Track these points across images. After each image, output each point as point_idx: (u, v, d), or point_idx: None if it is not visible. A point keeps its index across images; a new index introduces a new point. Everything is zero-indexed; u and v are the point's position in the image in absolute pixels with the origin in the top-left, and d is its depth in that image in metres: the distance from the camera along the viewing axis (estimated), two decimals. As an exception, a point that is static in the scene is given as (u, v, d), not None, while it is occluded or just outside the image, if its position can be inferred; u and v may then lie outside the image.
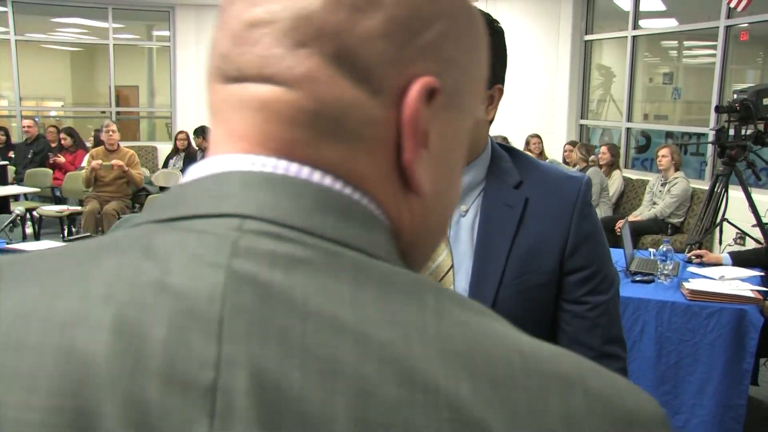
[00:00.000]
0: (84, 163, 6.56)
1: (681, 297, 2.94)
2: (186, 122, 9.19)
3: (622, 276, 3.13)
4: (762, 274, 3.26)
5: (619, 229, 4.95)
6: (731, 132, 4.04)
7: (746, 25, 5.81)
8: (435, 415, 0.29)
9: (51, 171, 7.61)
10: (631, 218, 5.42)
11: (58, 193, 7.51)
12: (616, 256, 2.99)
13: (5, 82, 9.81)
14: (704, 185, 5.27)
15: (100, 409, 0.28)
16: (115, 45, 9.89)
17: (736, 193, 4.20)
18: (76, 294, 0.31)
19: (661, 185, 5.59)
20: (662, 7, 7.25)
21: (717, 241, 4.71)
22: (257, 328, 0.30)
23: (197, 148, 8.12)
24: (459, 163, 0.44)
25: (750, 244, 4.30)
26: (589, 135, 7.90)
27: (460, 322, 0.32)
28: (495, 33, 1.01)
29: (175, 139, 8.35)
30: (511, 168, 1.04)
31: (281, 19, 0.36)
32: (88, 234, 5.54)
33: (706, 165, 6.08)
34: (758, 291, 2.93)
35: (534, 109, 7.68)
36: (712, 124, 5.42)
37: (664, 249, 3.26)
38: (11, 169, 7.33)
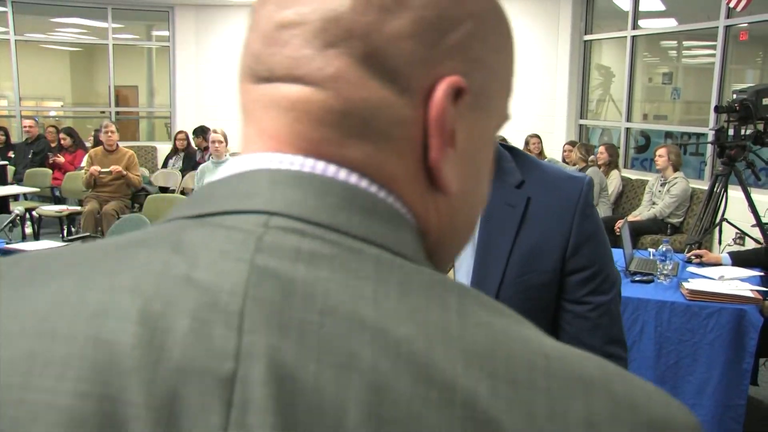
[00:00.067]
0: (83, 164, 6.56)
1: (680, 297, 2.94)
2: (185, 122, 9.19)
3: (621, 276, 3.13)
4: (761, 274, 3.26)
5: (618, 229, 4.94)
6: (731, 132, 4.04)
7: (746, 24, 5.81)
8: (449, 413, 0.29)
9: (50, 171, 7.61)
10: (630, 218, 5.42)
11: (57, 193, 7.51)
12: (616, 256, 2.98)
13: (5, 82, 9.81)
14: (704, 185, 5.27)
15: (124, 397, 0.29)
16: (115, 45, 9.89)
17: (735, 193, 4.20)
18: (106, 286, 0.32)
19: (661, 185, 5.59)
20: (662, 7, 7.25)
21: (716, 241, 4.71)
22: (277, 320, 0.30)
23: (196, 148, 8.11)
24: (486, 163, 0.44)
25: (749, 244, 4.31)
26: (589, 135, 7.90)
27: (482, 323, 0.33)
28: None
29: (175, 139, 8.34)
30: (512, 167, 1.04)
31: (311, 21, 0.37)
32: (88, 234, 5.53)
33: (706, 165, 6.08)
34: (758, 291, 2.93)
35: (533, 108, 7.68)
36: (711, 124, 5.42)
37: (664, 249, 3.26)
38: (11, 169, 7.33)
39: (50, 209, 6.49)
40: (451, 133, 0.38)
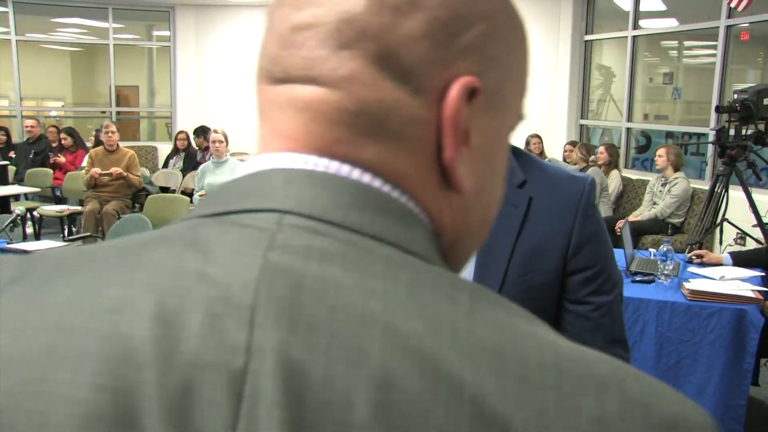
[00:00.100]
0: (84, 164, 6.56)
1: (681, 297, 2.93)
2: (186, 122, 9.20)
3: (622, 276, 3.13)
4: (762, 274, 3.26)
5: (619, 229, 4.94)
6: (732, 132, 4.04)
7: (747, 24, 5.81)
8: (456, 409, 0.29)
9: (51, 171, 7.61)
10: (631, 218, 5.42)
11: (58, 193, 7.51)
12: (616, 256, 2.99)
13: (6, 82, 9.81)
14: (704, 185, 5.27)
15: (139, 389, 0.29)
16: (116, 45, 9.90)
17: (736, 193, 4.20)
18: (123, 282, 0.33)
19: (662, 185, 5.58)
20: (662, 7, 7.25)
21: (717, 241, 4.71)
22: (287, 316, 0.31)
23: (197, 148, 8.11)
24: (501, 162, 0.44)
25: (750, 244, 4.30)
26: (589, 135, 7.90)
27: (493, 320, 0.33)
28: None
29: (175, 139, 8.35)
30: (514, 167, 1.04)
31: (325, 23, 0.38)
32: (88, 234, 5.54)
33: (707, 165, 6.07)
34: (759, 291, 2.93)
35: (534, 108, 7.67)
36: (712, 124, 5.42)
37: (665, 249, 3.26)
38: (12, 168, 7.33)
39: (51, 209, 6.50)
40: (465, 132, 0.39)
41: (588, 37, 7.59)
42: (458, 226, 0.41)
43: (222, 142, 5.63)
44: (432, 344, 0.31)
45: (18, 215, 4.22)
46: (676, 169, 5.49)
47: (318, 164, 0.37)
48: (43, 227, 6.68)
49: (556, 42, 7.64)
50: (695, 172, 6.48)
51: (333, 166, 0.37)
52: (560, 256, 1.01)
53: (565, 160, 6.81)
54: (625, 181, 6.41)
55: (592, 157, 6.24)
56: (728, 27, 5.83)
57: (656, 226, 5.42)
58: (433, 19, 0.38)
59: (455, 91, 0.38)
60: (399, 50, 0.37)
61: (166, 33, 9.97)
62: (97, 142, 7.08)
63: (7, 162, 7.20)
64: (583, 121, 7.81)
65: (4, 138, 8.16)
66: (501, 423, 0.30)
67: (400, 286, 0.33)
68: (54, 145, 8.01)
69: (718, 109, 4.13)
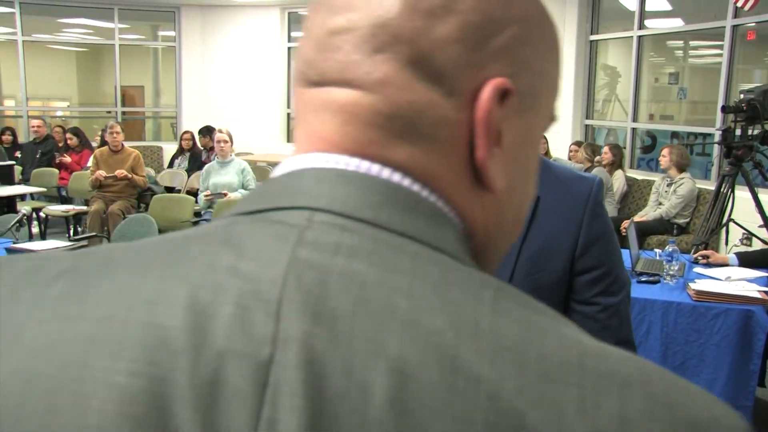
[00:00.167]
0: (89, 164, 6.58)
1: (687, 297, 2.93)
2: (191, 122, 9.21)
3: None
4: (769, 274, 3.25)
5: (624, 230, 4.93)
6: (738, 132, 4.02)
7: (753, 24, 5.79)
8: (472, 402, 0.30)
9: (57, 171, 7.64)
10: (636, 219, 5.40)
11: (64, 193, 7.53)
12: (622, 256, 2.98)
13: (12, 83, 9.85)
14: (710, 186, 5.25)
15: (171, 377, 0.31)
16: (121, 45, 9.92)
17: (742, 194, 4.18)
18: (161, 276, 0.34)
19: (667, 185, 5.57)
20: (668, 7, 7.23)
21: (723, 241, 4.69)
22: (312, 309, 0.32)
23: (202, 148, 8.13)
24: (533, 163, 0.45)
25: (757, 245, 4.28)
26: (595, 135, 7.88)
27: (517, 319, 0.33)
28: None
29: (181, 139, 8.37)
30: None
31: (360, 27, 0.39)
32: (94, 234, 5.55)
33: (713, 165, 6.05)
34: (765, 292, 2.92)
35: (539, 109, 7.64)
36: (718, 124, 5.40)
37: (670, 249, 3.25)
38: (18, 168, 7.36)
39: (57, 209, 6.52)
40: (498, 133, 0.39)
41: (593, 37, 7.57)
42: (490, 226, 0.42)
43: (227, 142, 5.63)
44: (453, 340, 0.31)
45: (24, 215, 4.23)
46: (681, 170, 5.47)
47: (349, 164, 0.38)
48: (48, 227, 6.70)
49: (562, 42, 7.59)
50: (701, 172, 6.46)
51: (364, 166, 0.38)
52: (568, 256, 1.01)
53: (570, 159, 6.80)
54: (631, 182, 6.39)
55: (597, 158, 6.23)
56: (734, 27, 5.81)
57: (662, 227, 5.40)
58: (466, 23, 0.39)
59: (487, 92, 0.39)
60: (432, 53, 0.38)
61: (172, 33, 9.99)
62: (103, 142, 7.09)
63: (13, 162, 7.22)
64: (588, 121, 7.79)
65: (10, 138, 8.19)
66: (517, 419, 0.30)
67: (425, 283, 0.34)
68: (60, 145, 8.03)
69: (724, 109, 4.12)
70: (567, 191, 1.03)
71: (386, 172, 0.38)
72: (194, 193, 6.04)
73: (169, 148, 9.17)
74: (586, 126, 7.79)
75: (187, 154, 8.10)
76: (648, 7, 6.98)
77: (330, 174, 0.38)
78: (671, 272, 3.15)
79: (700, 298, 2.88)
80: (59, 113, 11.76)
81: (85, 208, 6.41)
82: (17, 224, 4.13)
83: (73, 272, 0.36)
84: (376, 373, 0.31)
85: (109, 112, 10.33)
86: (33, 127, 8.04)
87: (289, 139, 9.81)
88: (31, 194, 7.02)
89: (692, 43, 7.54)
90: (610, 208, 5.88)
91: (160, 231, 4.72)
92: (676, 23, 7.32)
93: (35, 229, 6.51)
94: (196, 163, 7.80)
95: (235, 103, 9.53)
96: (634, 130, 7.19)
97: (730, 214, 4.13)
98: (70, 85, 12.45)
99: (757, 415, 2.90)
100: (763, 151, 4.03)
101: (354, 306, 0.32)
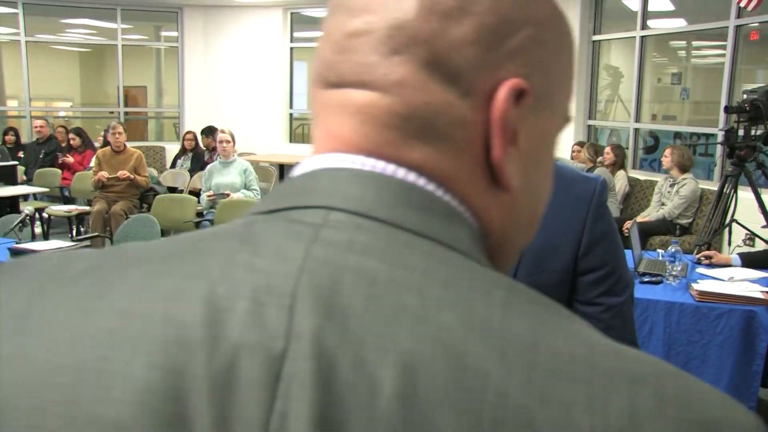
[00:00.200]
0: (92, 164, 6.59)
1: (690, 298, 2.92)
2: (194, 122, 9.22)
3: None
4: (772, 275, 3.24)
5: (627, 230, 4.92)
6: (741, 132, 4.01)
7: (756, 24, 5.78)
8: (480, 398, 0.31)
9: (60, 171, 7.65)
10: (639, 219, 5.39)
11: (66, 193, 7.55)
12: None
13: (15, 83, 9.87)
14: (713, 186, 5.24)
15: (188, 369, 0.32)
16: (124, 46, 9.93)
17: (745, 194, 4.17)
18: (180, 273, 0.36)
19: (670, 186, 5.56)
20: (671, 7, 7.22)
21: (726, 242, 4.69)
22: (325, 304, 0.33)
23: (205, 148, 8.13)
24: (549, 162, 0.46)
25: (760, 245, 4.28)
26: (597, 135, 7.87)
27: (527, 316, 0.34)
28: None
29: (183, 139, 8.37)
30: None
31: (378, 29, 0.39)
32: (96, 234, 5.56)
33: (715, 166, 6.04)
34: (768, 292, 2.91)
35: (542, 109, 7.64)
36: (721, 124, 5.39)
37: (673, 250, 3.24)
38: (20, 168, 7.37)
39: (59, 209, 6.53)
40: (514, 132, 0.40)
41: (596, 38, 7.57)
42: (506, 225, 0.43)
43: (229, 142, 5.64)
44: (462, 336, 0.32)
45: (27, 215, 4.24)
46: (684, 171, 5.46)
47: (365, 164, 0.39)
48: (51, 227, 6.71)
49: (564, 42, 7.60)
50: (704, 172, 6.45)
51: (379, 166, 0.39)
52: (571, 255, 1.01)
53: (572, 160, 6.79)
54: (633, 182, 6.38)
55: (600, 158, 6.22)
56: (737, 27, 5.80)
57: (664, 227, 5.40)
58: (482, 24, 0.39)
59: (503, 92, 0.39)
60: (448, 55, 0.39)
61: (174, 33, 10.00)
62: (106, 143, 7.10)
63: (16, 162, 7.24)
64: (590, 122, 7.78)
65: (13, 138, 8.21)
66: (524, 415, 0.30)
67: (437, 281, 0.34)
68: (63, 145, 8.05)
69: (727, 110, 4.11)
70: (570, 191, 1.03)
71: (401, 172, 0.39)
72: (197, 194, 6.04)
73: (172, 149, 9.18)
74: (589, 126, 7.78)
75: (190, 155, 8.11)
76: (651, 8, 6.97)
77: (346, 174, 0.39)
78: (674, 273, 3.14)
79: (702, 298, 2.87)
80: (62, 113, 11.78)
81: (87, 208, 6.41)
82: (20, 224, 4.14)
83: (97, 269, 0.38)
84: (385, 367, 0.31)
85: (112, 112, 10.34)
86: (36, 127, 8.05)
87: (291, 140, 9.82)
88: (34, 194, 7.03)
89: (695, 43, 7.53)
90: (613, 209, 5.87)
91: (163, 231, 4.73)
92: (678, 23, 7.31)
93: (38, 230, 6.52)
94: (198, 164, 7.80)
95: (237, 104, 9.54)
96: (636, 130, 7.18)
97: (732, 215, 4.13)
98: (73, 86, 12.47)
99: (759, 416, 2.89)
100: (766, 152, 4.02)
101: (365, 302, 0.33)
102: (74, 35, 11.37)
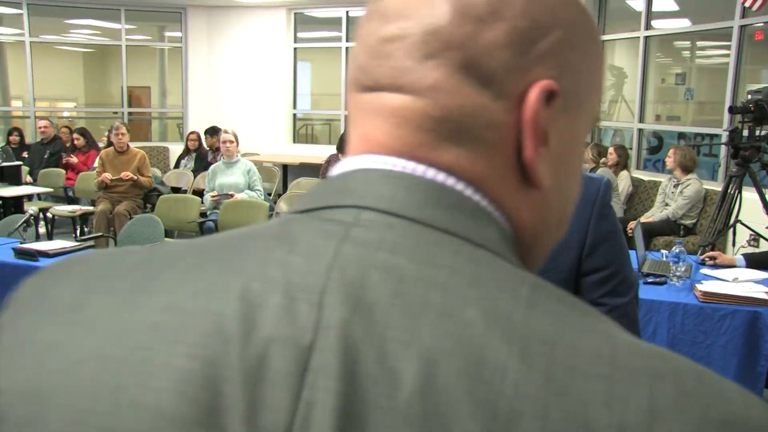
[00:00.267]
0: (96, 164, 6.60)
1: (694, 299, 2.91)
2: (197, 123, 9.24)
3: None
4: (776, 276, 3.23)
5: (631, 231, 4.91)
6: (745, 133, 4.00)
7: (761, 24, 5.76)
8: (497, 391, 0.32)
9: (64, 171, 7.67)
10: (643, 219, 5.39)
11: (70, 193, 7.57)
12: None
13: (20, 83, 9.90)
14: (717, 186, 5.23)
15: (224, 360, 0.34)
16: (128, 46, 9.96)
17: (749, 195, 4.16)
18: (218, 269, 0.38)
19: (674, 186, 5.55)
20: (675, 7, 7.21)
21: (730, 242, 4.67)
22: (352, 299, 0.35)
23: (208, 149, 8.14)
24: (578, 161, 0.47)
25: (764, 246, 4.26)
26: (601, 136, 7.86)
27: (551, 314, 0.35)
28: None
29: (187, 139, 8.39)
30: None
31: (412, 35, 0.41)
32: (100, 234, 5.57)
33: (719, 166, 6.03)
34: (772, 293, 2.90)
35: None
36: (725, 124, 5.38)
37: (677, 250, 3.24)
38: (25, 169, 7.39)
39: (63, 209, 6.54)
40: (545, 133, 0.41)
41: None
42: (537, 224, 0.44)
43: (232, 142, 5.65)
44: (483, 332, 0.33)
45: (31, 215, 4.26)
46: (687, 171, 5.45)
47: (396, 165, 0.40)
48: (55, 227, 6.73)
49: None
50: (708, 173, 6.43)
51: (410, 167, 0.40)
52: (575, 255, 1.01)
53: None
54: (637, 183, 6.37)
55: (603, 159, 6.22)
56: (742, 27, 5.78)
57: (668, 228, 5.39)
58: (513, 28, 0.40)
59: (534, 94, 0.40)
60: (481, 58, 0.40)
61: (178, 34, 10.02)
62: (110, 143, 7.12)
63: (20, 162, 7.25)
64: (594, 122, 7.77)
65: (17, 139, 8.23)
66: (541, 408, 0.31)
67: (462, 278, 0.35)
68: (67, 145, 8.07)
69: (732, 110, 4.10)
70: None
71: (431, 172, 0.40)
72: (200, 194, 6.06)
73: (175, 149, 9.19)
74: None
75: (193, 155, 8.12)
76: (655, 8, 6.96)
77: (378, 174, 0.40)
78: (678, 273, 3.14)
79: (706, 299, 2.86)
80: (66, 114, 11.81)
81: (91, 208, 6.43)
82: (24, 224, 4.15)
83: (143, 266, 0.40)
84: (407, 361, 0.32)
85: (116, 112, 10.36)
86: (40, 127, 8.07)
87: (295, 140, 9.83)
88: (38, 195, 7.05)
89: (699, 43, 7.51)
90: (616, 209, 5.85)
91: (166, 231, 4.74)
92: (683, 23, 7.29)
93: (42, 230, 6.54)
94: (202, 164, 7.81)
95: (241, 104, 9.55)
96: (640, 130, 7.17)
97: (737, 215, 4.12)
98: (77, 86, 12.50)
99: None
100: (770, 152, 4.01)
101: (391, 298, 0.34)
102: (78, 36, 11.40)
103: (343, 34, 9.33)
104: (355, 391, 0.32)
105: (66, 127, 8.56)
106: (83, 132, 8.05)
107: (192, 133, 8.33)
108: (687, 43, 7.69)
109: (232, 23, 9.63)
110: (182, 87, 10.04)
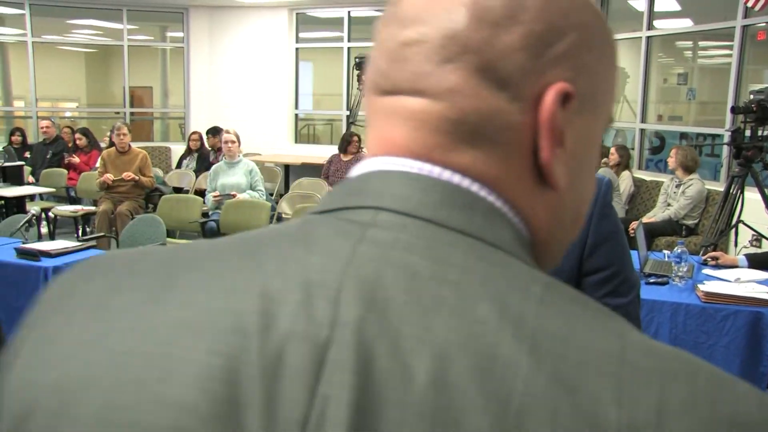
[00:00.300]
0: (98, 164, 6.61)
1: (696, 299, 2.91)
2: (199, 123, 9.25)
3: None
4: (778, 276, 3.23)
5: (633, 231, 4.91)
6: (747, 133, 4.00)
7: (763, 24, 5.75)
8: (508, 387, 0.32)
9: (66, 171, 7.67)
10: (645, 220, 5.38)
11: (72, 193, 7.57)
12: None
13: (22, 83, 9.91)
14: (719, 187, 5.22)
15: (244, 355, 0.35)
16: (130, 46, 9.97)
17: (752, 195, 4.16)
18: (239, 267, 0.39)
19: (676, 187, 5.54)
20: (677, 8, 7.20)
21: (732, 243, 4.67)
22: (367, 296, 0.36)
23: (210, 149, 8.15)
24: (593, 162, 0.48)
25: (766, 246, 4.26)
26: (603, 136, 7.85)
27: (563, 312, 0.35)
28: None
29: (188, 139, 8.39)
30: None
31: (431, 39, 0.42)
32: (102, 234, 5.58)
33: (722, 166, 6.02)
34: (775, 293, 2.90)
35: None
36: (727, 124, 5.37)
37: (679, 251, 3.23)
38: (27, 169, 7.40)
39: (65, 209, 6.55)
40: (561, 134, 0.42)
41: (601, 38, 7.55)
42: (552, 224, 0.44)
43: (234, 142, 5.65)
44: (495, 329, 0.34)
45: (33, 215, 4.26)
46: (688, 171, 5.45)
47: (413, 166, 0.41)
48: (57, 227, 6.73)
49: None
50: (710, 173, 6.42)
51: (426, 168, 0.41)
52: (576, 256, 1.01)
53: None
54: (639, 183, 6.36)
55: (604, 159, 6.21)
56: (744, 27, 5.77)
57: (670, 228, 5.38)
58: (529, 32, 0.41)
59: (551, 96, 0.41)
60: (498, 62, 0.41)
61: (180, 34, 10.03)
62: (112, 143, 7.13)
63: (22, 162, 7.26)
64: (596, 122, 7.76)
65: (20, 139, 8.24)
66: (551, 403, 0.32)
67: (475, 276, 0.36)
68: (69, 145, 8.07)
69: (734, 110, 4.10)
70: None
71: (447, 174, 0.41)
72: (202, 194, 6.06)
73: (177, 149, 9.20)
74: (594, 127, 7.76)
75: (195, 155, 8.13)
76: (657, 8, 6.95)
77: (395, 176, 0.41)
78: (680, 273, 3.14)
79: (709, 299, 2.86)
80: (68, 114, 11.82)
81: (93, 208, 6.44)
82: (26, 224, 4.16)
83: (167, 265, 0.41)
84: (420, 356, 0.33)
85: (118, 112, 10.37)
86: (42, 127, 8.08)
87: (296, 140, 9.83)
88: (40, 195, 7.06)
89: (701, 43, 7.51)
90: (618, 209, 5.86)
91: (168, 231, 4.74)
92: (685, 23, 7.29)
93: (44, 230, 6.54)
94: (203, 164, 7.82)
95: (243, 104, 9.56)
96: (642, 131, 7.16)
97: (739, 216, 4.11)
98: (79, 86, 12.51)
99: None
100: (772, 152, 4.01)
101: (405, 295, 0.35)
102: (80, 36, 11.41)
103: (345, 34, 9.33)
104: (370, 386, 0.33)
105: (68, 127, 8.56)
106: (85, 132, 8.06)
107: (194, 133, 8.34)
108: (689, 43, 7.69)
109: (234, 23, 9.64)
110: (184, 87, 10.05)
